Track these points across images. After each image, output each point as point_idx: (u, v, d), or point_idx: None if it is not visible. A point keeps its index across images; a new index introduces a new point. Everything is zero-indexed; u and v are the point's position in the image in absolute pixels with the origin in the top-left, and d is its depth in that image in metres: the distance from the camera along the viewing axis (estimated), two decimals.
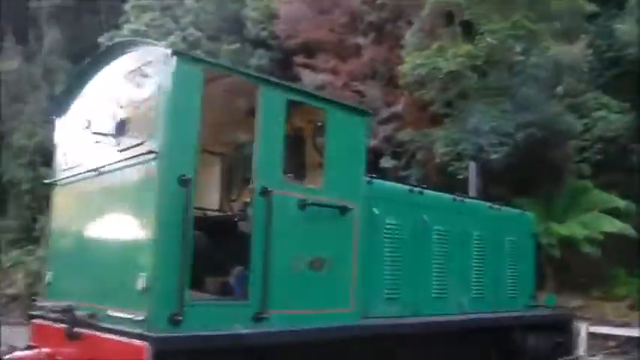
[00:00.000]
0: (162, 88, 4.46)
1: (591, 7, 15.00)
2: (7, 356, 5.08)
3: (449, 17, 15.16)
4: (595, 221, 13.29)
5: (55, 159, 6.10)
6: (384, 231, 6.06)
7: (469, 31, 14.63)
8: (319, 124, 5.86)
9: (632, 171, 14.77)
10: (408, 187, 6.79)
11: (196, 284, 4.58)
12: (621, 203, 13.71)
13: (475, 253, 7.20)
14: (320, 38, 18.39)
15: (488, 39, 13.74)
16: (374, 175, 6.20)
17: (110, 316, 4.47)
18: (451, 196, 7.35)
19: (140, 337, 4.03)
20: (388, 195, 6.25)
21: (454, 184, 12.78)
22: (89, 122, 5.40)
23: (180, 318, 4.15)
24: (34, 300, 6.92)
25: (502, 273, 7.66)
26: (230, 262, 5.15)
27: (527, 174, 13.96)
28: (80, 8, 26.97)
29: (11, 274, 20.47)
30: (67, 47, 25.50)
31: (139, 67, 4.91)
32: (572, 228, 13.03)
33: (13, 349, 5.57)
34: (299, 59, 18.46)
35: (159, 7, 21.64)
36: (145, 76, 4.82)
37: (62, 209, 5.84)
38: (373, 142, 14.98)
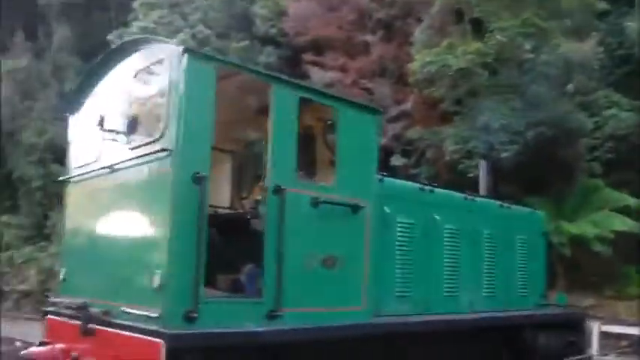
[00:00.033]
0: (175, 86, 4.47)
1: (602, 5, 14.88)
2: (22, 352, 5.13)
3: (458, 14, 15.10)
4: (606, 220, 13.23)
5: (68, 156, 6.14)
6: (396, 229, 6.06)
7: (479, 28, 14.57)
8: (330, 122, 5.87)
9: None
10: (418, 186, 6.79)
11: (208, 281, 4.59)
12: (632, 201, 13.63)
13: (486, 251, 7.21)
14: (329, 36, 18.37)
15: (498, 36, 13.67)
16: (385, 174, 6.21)
17: (125, 312, 4.49)
18: (462, 195, 7.35)
19: (155, 333, 4.05)
20: (399, 193, 6.26)
21: (464, 183, 12.77)
22: (102, 120, 5.43)
23: (195, 315, 4.17)
24: (47, 296, 6.98)
25: (513, 271, 7.66)
26: (241, 259, 5.18)
27: (537, 172, 13.91)
28: (90, 5, 27.06)
29: (23, 270, 20.62)
30: (76, 44, 25.59)
31: (151, 65, 4.93)
32: (582, 227, 12.97)
33: (28, 345, 5.60)
34: (308, 57, 18.45)
35: (167, 5, 21.67)
36: (157, 73, 4.84)
37: (76, 207, 5.87)
38: (383, 141, 14.97)
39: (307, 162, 5.86)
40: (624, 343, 9.53)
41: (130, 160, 4.82)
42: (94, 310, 4.76)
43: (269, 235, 4.74)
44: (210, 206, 5.76)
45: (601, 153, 14.81)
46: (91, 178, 5.46)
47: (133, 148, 4.85)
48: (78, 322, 4.85)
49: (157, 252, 4.36)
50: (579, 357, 7.97)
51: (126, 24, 22.00)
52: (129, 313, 4.45)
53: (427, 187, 6.77)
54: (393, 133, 15.94)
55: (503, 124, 13.05)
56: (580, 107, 14.44)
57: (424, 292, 6.29)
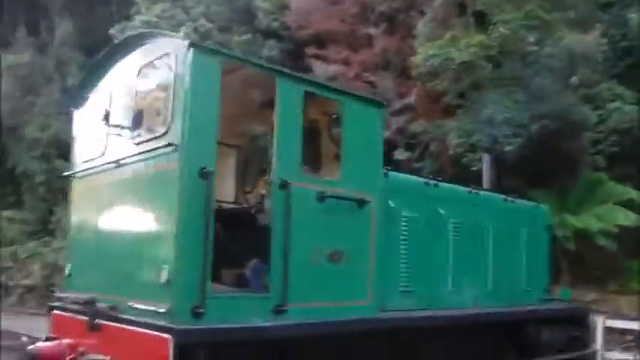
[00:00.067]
0: (180, 81, 4.45)
1: None
2: (29, 347, 5.14)
3: (461, 7, 15.00)
4: (610, 213, 13.17)
5: (73, 151, 6.13)
6: (400, 224, 6.05)
7: (482, 21, 14.47)
8: (334, 115, 5.85)
9: None
10: (423, 180, 6.78)
11: (213, 276, 4.59)
12: (634, 194, 13.58)
13: (490, 246, 7.18)
14: (331, 29, 18.30)
15: (501, 29, 13.59)
16: (389, 168, 6.20)
17: (132, 308, 4.50)
18: (466, 189, 7.34)
19: (164, 329, 4.06)
20: (404, 187, 6.25)
21: (468, 176, 12.73)
22: (107, 115, 5.42)
23: (202, 310, 4.18)
24: (53, 292, 6.99)
25: (517, 266, 7.65)
26: (246, 254, 5.18)
27: (541, 166, 13.85)
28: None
29: (28, 265, 20.67)
30: (79, 39, 25.52)
31: (156, 59, 4.91)
32: (586, 220, 12.93)
33: (34, 340, 5.61)
34: (310, 50, 18.40)
35: None
36: (163, 68, 4.82)
37: (81, 202, 5.87)
38: (387, 134, 14.90)
39: (312, 156, 5.86)
40: (629, 337, 9.50)
41: (136, 155, 4.81)
42: (100, 305, 4.77)
43: (275, 230, 4.74)
44: (215, 201, 5.78)
45: (605, 146, 14.75)
46: (97, 173, 5.46)
47: (138, 143, 4.85)
48: (84, 318, 4.86)
49: (164, 247, 4.36)
50: (584, 352, 7.98)
51: (128, 18, 21.95)
52: (135, 309, 4.45)
53: (432, 181, 6.76)
54: (396, 127, 15.88)
55: (507, 118, 12.99)
56: (584, 100, 14.38)
57: (429, 286, 6.30)
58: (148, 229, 4.65)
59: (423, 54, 14.17)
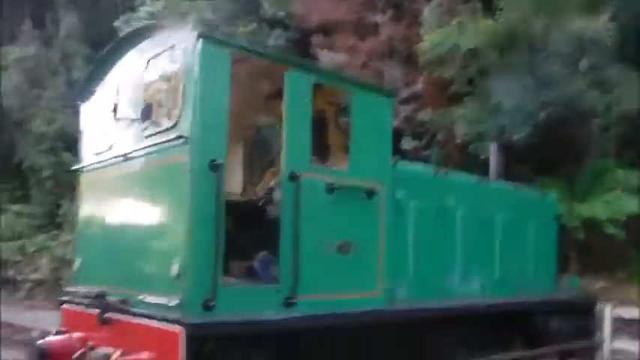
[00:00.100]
0: (189, 72, 4.41)
1: None
2: (39, 341, 5.16)
3: None
4: (618, 201, 13.07)
5: (80, 145, 6.11)
6: (409, 214, 6.01)
7: (489, 6, 14.33)
8: (343, 105, 5.80)
9: None
10: (432, 170, 6.74)
11: (223, 269, 4.58)
12: None
13: (498, 235, 7.14)
14: (338, 18, 18.15)
15: (509, 14, 13.45)
16: (398, 157, 6.16)
17: (142, 301, 4.50)
18: (475, 179, 7.29)
19: (176, 322, 4.06)
20: (413, 178, 6.19)
21: (475, 164, 12.67)
22: (115, 107, 5.39)
23: (213, 303, 4.17)
24: (62, 285, 7.01)
25: (525, 256, 7.60)
26: (254, 246, 5.16)
27: (549, 153, 13.76)
28: None
29: (36, 258, 20.76)
30: (84, 32, 25.47)
31: (165, 51, 4.84)
32: (594, 208, 12.84)
33: (45, 333, 5.64)
34: (316, 39, 18.28)
35: None
36: (171, 59, 4.77)
37: (90, 196, 5.84)
38: (395, 123, 14.82)
39: (320, 146, 5.82)
40: (637, 326, 9.44)
41: (145, 148, 4.78)
42: (111, 298, 4.78)
43: (285, 222, 4.71)
44: None
45: (613, 133, 14.60)
46: (105, 166, 5.44)
47: (147, 136, 4.82)
48: (95, 311, 4.86)
49: (175, 240, 4.34)
50: (591, 341, 7.95)
51: (133, 9, 21.85)
52: (147, 302, 4.45)
53: (441, 171, 6.72)
54: (404, 115, 15.80)
55: (515, 105, 12.88)
56: (592, 86, 14.22)
57: (437, 277, 6.27)
58: (158, 222, 4.63)
59: (429, 41, 14.05)
